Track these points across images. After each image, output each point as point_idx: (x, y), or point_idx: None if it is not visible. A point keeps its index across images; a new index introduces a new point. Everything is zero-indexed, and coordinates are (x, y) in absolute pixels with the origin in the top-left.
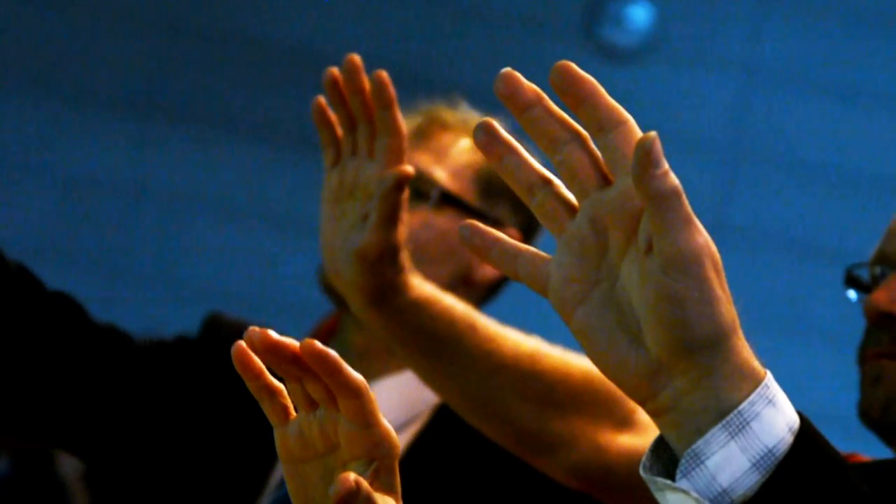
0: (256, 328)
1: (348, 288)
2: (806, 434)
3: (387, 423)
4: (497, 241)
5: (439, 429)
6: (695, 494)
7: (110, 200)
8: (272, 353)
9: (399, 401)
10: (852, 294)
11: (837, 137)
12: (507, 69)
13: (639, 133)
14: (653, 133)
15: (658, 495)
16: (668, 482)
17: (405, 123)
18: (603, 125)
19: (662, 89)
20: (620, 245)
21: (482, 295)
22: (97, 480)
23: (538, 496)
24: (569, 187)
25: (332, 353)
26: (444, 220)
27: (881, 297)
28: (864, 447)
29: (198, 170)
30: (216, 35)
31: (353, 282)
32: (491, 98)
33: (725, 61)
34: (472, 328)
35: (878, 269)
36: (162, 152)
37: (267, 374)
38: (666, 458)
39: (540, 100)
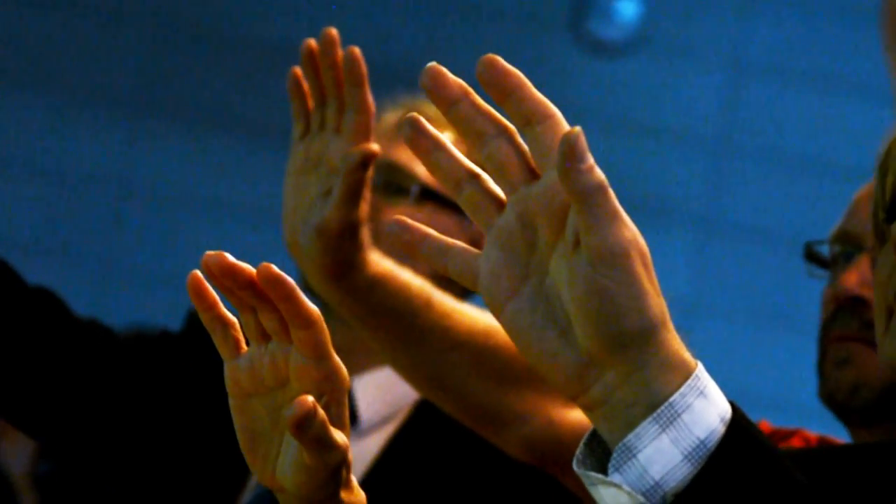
0: (212, 251)
1: (307, 261)
2: (738, 424)
3: (337, 358)
4: (425, 236)
5: (419, 425)
6: (627, 488)
7: (99, 196)
8: (228, 277)
9: (379, 397)
10: (810, 270)
11: (826, 130)
12: (433, 64)
13: (566, 127)
14: (577, 128)
15: (592, 490)
16: (601, 476)
17: (388, 117)
18: (530, 119)
19: (651, 83)
20: (549, 240)
21: (464, 289)
22: (47, 479)
23: (518, 490)
24: (496, 182)
25: (289, 278)
26: (424, 216)
27: (850, 279)
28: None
29: (187, 166)
30: (205, 33)
31: (312, 256)
32: (476, 91)
33: (714, 54)
34: (427, 304)
35: (838, 247)
36: (151, 148)
37: (220, 305)
38: (600, 451)
39: (466, 94)
